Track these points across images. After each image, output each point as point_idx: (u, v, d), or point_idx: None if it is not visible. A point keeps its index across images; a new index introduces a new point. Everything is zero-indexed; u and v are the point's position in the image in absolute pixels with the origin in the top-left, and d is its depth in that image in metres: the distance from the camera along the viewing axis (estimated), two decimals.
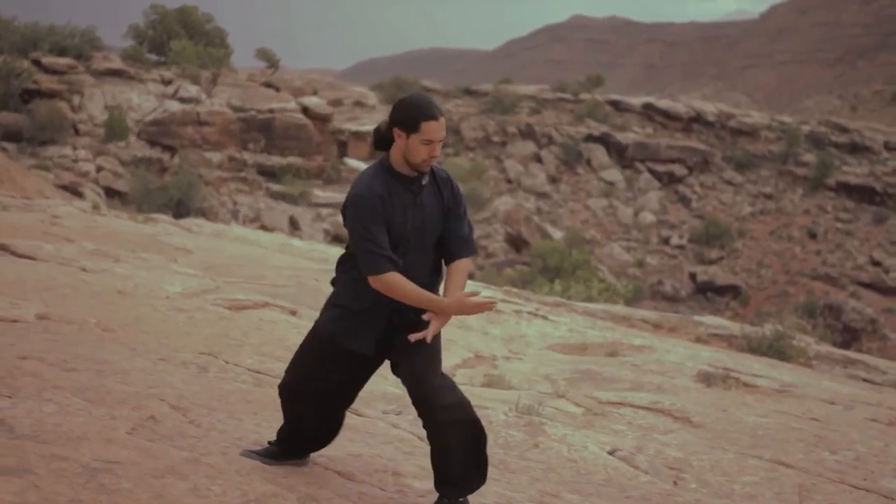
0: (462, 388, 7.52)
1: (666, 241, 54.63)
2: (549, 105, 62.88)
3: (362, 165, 42.25)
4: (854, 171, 60.53)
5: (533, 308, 12.74)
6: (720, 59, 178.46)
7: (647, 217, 55.67)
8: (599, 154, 58.88)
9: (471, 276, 33.21)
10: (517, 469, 5.28)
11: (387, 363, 4.35)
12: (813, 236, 55.83)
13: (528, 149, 58.19)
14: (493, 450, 5.61)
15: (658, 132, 62.04)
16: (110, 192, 37.39)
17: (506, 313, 11.83)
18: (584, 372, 8.67)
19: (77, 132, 42.96)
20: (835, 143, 63.37)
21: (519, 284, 31.89)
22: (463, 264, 4.25)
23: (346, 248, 4.31)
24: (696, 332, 13.12)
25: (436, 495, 4.21)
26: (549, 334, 10.93)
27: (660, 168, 59.30)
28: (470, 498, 4.23)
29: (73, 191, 31.41)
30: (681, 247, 54.17)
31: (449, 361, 8.62)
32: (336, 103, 50.92)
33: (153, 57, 52.50)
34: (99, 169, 40.21)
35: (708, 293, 49.82)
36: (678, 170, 59.47)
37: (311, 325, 4.53)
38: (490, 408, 6.62)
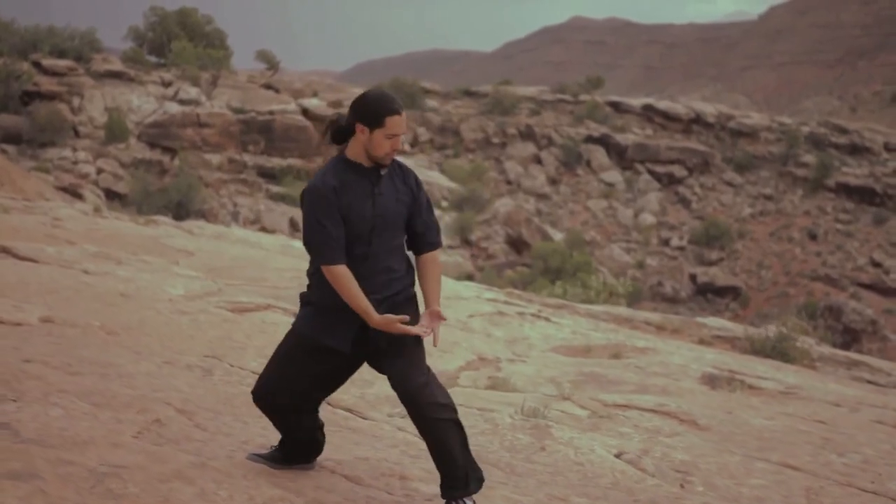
0: (466, 390, 7.53)
1: (666, 242, 54.60)
2: (549, 106, 62.85)
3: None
4: (854, 172, 60.51)
5: (535, 310, 12.71)
6: (719, 61, 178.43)
7: (647, 218, 55.64)
8: (599, 155, 58.86)
9: (470, 278, 33.25)
10: (524, 472, 5.26)
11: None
12: (813, 237, 55.80)
13: (527, 150, 58.16)
14: (499, 453, 5.60)
15: (658, 133, 62.02)
16: (110, 194, 37.38)
17: (508, 315, 11.80)
18: (589, 374, 8.65)
19: (77, 134, 42.94)
20: (835, 144, 63.34)
21: (519, 286, 31.86)
22: (430, 262, 4.32)
23: None
24: (699, 333, 13.10)
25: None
26: (553, 336, 10.91)
27: (660, 169, 59.27)
28: (477, 501, 4.21)
29: (74, 193, 31.38)
30: (681, 248, 54.14)
31: (452, 364, 8.60)
32: (336, 105, 50.88)
33: (153, 59, 52.50)
34: (99, 171, 40.20)
35: (708, 294, 49.79)
36: (678, 171, 59.43)
37: None
38: (496, 410, 6.60)
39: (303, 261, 15.19)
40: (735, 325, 14.59)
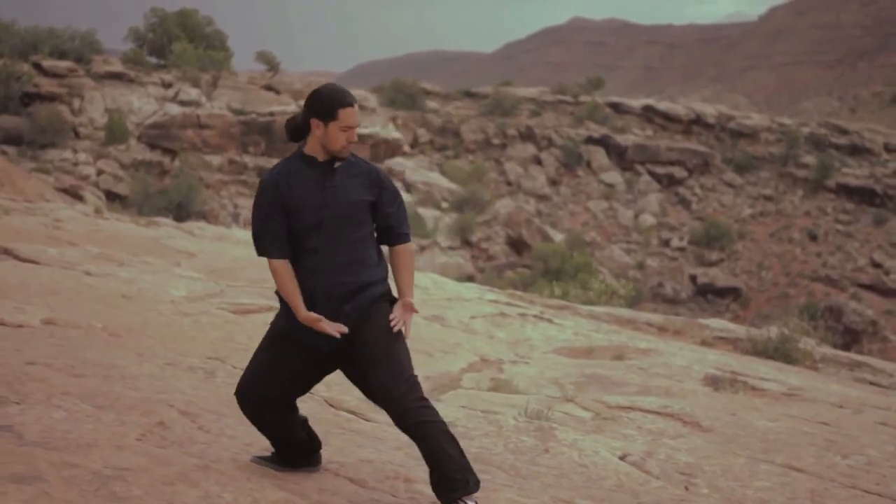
0: (469, 392, 7.52)
1: (666, 243, 54.59)
2: (549, 107, 62.85)
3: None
4: (854, 173, 60.50)
5: (537, 311, 12.70)
6: (719, 61, 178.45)
7: (648, 219, 55.63)
8: (599, 156, 58.85)
9: (471, 279, 33.24)
10: (528, 475, 5.25)
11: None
12: (813, 238, 55.79)
13: (528, 151, 58.16)
14: (503, 455, 5.58)
15: (658, 134, 62.02)
16: (110, 196, 37.37)
17: (510, 316, 11.79)
18: (591, 376, 8.63)
19: (77, 135, 42.92)
20: (835, 145, 63.35)
21: (520, 287, 31.85)
22: (400, 254, 4.34)
23: None
24: (701, 335, 13.08)
25: None
26: (555, 337, 10.89)
27: (660, 170, 59.27)
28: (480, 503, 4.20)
29: (74, 194, 31.38)
30: (681, 249, 54.14)
31: (455, 365, 8.59)
32: None
33: (153, 60, 52.47)
34: (99, 172, 40.18)
35: (708, 295, 49.78)
36: (678, 172, 59.43)
37: None
38: (499, 412, 6.59)
39: None
40: (737, 326, 14.57)
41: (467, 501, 4.09)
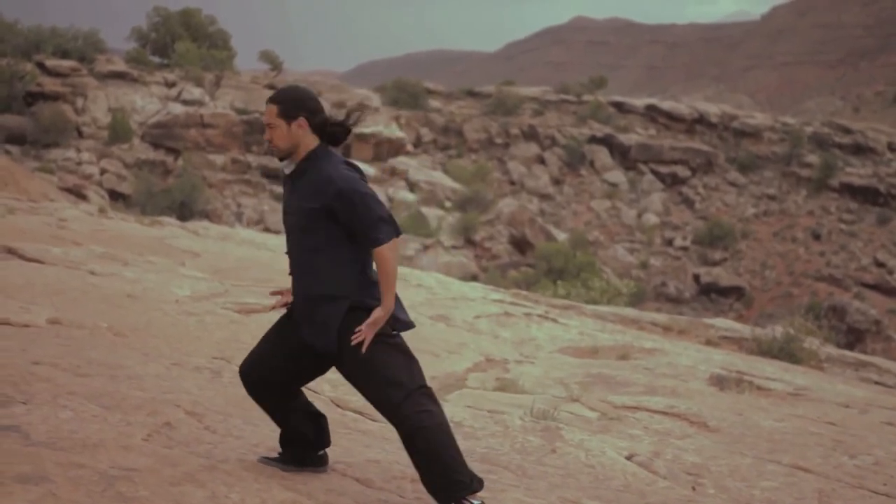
0: (475, 392, 7.50)
1: (669, 242, 54.53)
2: (552, 107, 62.81)
3: (365, 168, 42.20)
4: (857, 172, 60.43)
5: (542, 311, 12.68)
6: (721, 61, 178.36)
7: (651, 218, 55.58)
8: (602, 155, 58.81)
9: (475, 278, 33.21)
10: (535, 475, 5.23)
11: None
12: (817, 237, 55.72)
13: (531, 150, 58.12)
14: (510, 455, 5.57)
15: (661, 133, 61.97)
16: (114, 195, 37.39)
17: (515, 316, 11.77)
18: (597, 376, 8.61)
19: (80, 135, 42.94)
20: (838, 144, 63.28)
21: (523, 286, 31.83)
22: (376, 259, 4.13)
23: None
24: (706, 334, 13.06)
25: None
26: (560, 337, 10.88)
27: (663, 169, 59.21)
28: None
29: (77, 193, 31.39)
30: (684, 248, 54.07)
31: (460, 365, 8.58)
32: (339, 105, 50.87)
33: (156, 59, 52.51)
34: (102, 171, 40.19)
35: (712, 294, 49.72)
36: (681, 171, 59.38)
37: None
38: (505, 412, 6.57)
39: None
40: (742, 326, 14.56)
41: (472, 501, 4.07)
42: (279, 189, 43.22)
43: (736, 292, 50.23)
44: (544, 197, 55.49)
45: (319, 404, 5.86)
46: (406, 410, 4.05)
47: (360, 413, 6.08)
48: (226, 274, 11.89)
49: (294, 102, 4.20)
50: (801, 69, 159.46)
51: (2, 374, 5.05)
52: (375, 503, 4.23)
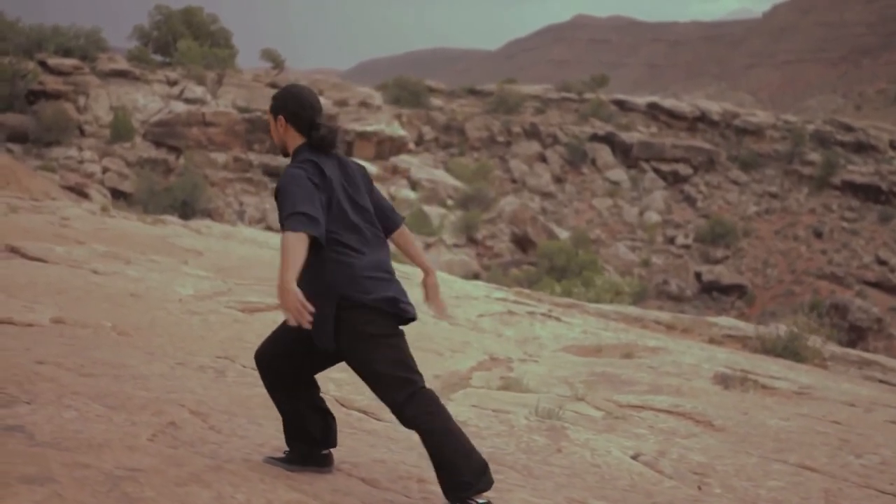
0: (479, 391, 7.48)
1: (671, 240, 54.50)
2: (554, 105, 62.78)
3: (367, 166, 42.15)
4: (859, 170, 60.39)
5: (545, 309, 12.66)
6: (723, 59, 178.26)
7: (653, 217, 55.55)
8: (604, 154, 58.77)
9: (477, 277, 33.17)
10: (541, 475, 5.21)
11: None
12: (818, 235, 55.69)
13: (532, 148, 58.09)
14: (516, 455, 5.55)
15: (663, 132, 61.93)
16: (116, 194, 37.38)
17: (518, 315, 11.75)
18: (601, 374, 8.59)
19: (82, 133, 42.94)
20: (840, 142, 63.24)
21: (525, 284, 31.81)
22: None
23: None
24: (709, 332, 13.03)
25: None
26: (563, 336, 10.86)
27: (665, 167, 59.18)
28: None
29: (79, 192, 31.39)
30: (686, 246, 54.04)
31: (464, 364, 8.56)
32: (341, 104, 50.87)
33: (158, 58, 52.50)
34: (104, 170, 40.19)
35: (713, 293, 49.69)
36: (683, 169, 59.34)
37: None
38: (510, 412, 6.55)
39: None
40: (746, 324, 14.53)
41: (478, 501, 4.05)
42: None
43: (738, 290, 50.21)
44: (546, 195, 55.47)
45: None
46: (410, 412, 4.05)
47: (365, 412, 6.07)
48: (229, 272, 11.88)
49: (277, 101, 4.30)
50: (802, 67, 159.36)
51: (6, 373, 5.04)
52: (381, 503, 4.21)
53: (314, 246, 4.07)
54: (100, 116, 43.81)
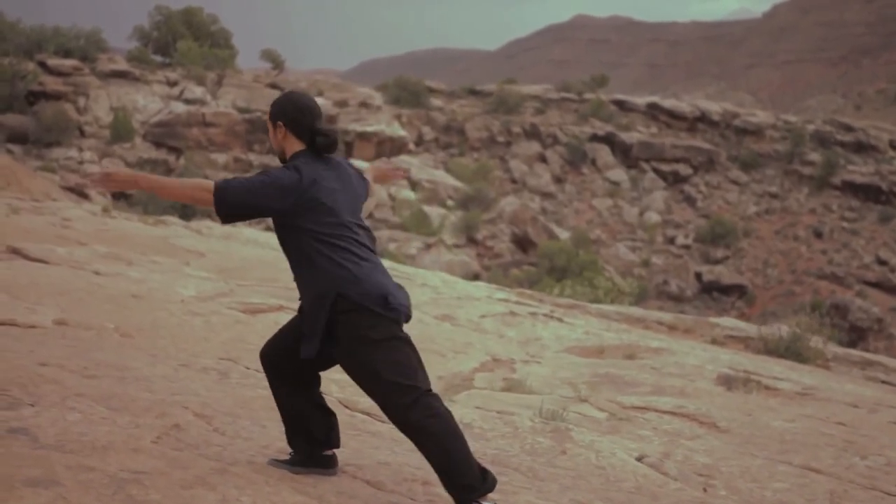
0: (483, 392, 7.47)
1: (671, 240, 54.50)
2: (554, 105, 62.79)
3: (367, 166, 42.10)
4: (860, 170, 60.40)
5: (547, 310, 12.65)
6: (723, 59, 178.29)
7: (653, 217, 55.55)
8: (604, 154, 58.78)
9: (477, 277, 33.17)
10: (546, 477, 5.19)
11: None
12: (819, 235, 55.69)
13: (532, 149, 58.09)
14: (520, 457, 5.53)
15: (663, 132, 61.94)
16: (116, 194, 37.34)
17: (521, 315, 11.74)
18: (604, 375, 8.57)
19: (82, 134, 42.94)
20: (840, 142, 63.25)
21: (526, 285, 31.79)
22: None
23: None
24: (711, 333, 13.02)
25: None
26: (566, 337, 10.84)
27: (665, 168, 59.19)
28: None
29: (80, 193, 31.35)
30: (686, 246, 54.04)
31: (466, 365, 8.54)
32: (341, 104, 50.87)
33: (158, 58, 52.52)
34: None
35: (714, 293, 49.69)
36: (683, 169, 59.35)
37: None
38: (514, 413, 6.53)
39: None
40: (748, 324, 14.50)
41: (482, 502, 4.04)
42: None
43: (738, 290, 50.21)
44: (546, 195, 55.47)
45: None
46: (415, 415, 4.02)
47: (369, 414, 6.05)
48: (231, 273, 11.86)
49: (276, 108, 4.29)
50: (802, 67, 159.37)
51: (9, 375, 5.02)
52: None
53: (309, 248, 4.10)
54: (100, 117, 43.82)
